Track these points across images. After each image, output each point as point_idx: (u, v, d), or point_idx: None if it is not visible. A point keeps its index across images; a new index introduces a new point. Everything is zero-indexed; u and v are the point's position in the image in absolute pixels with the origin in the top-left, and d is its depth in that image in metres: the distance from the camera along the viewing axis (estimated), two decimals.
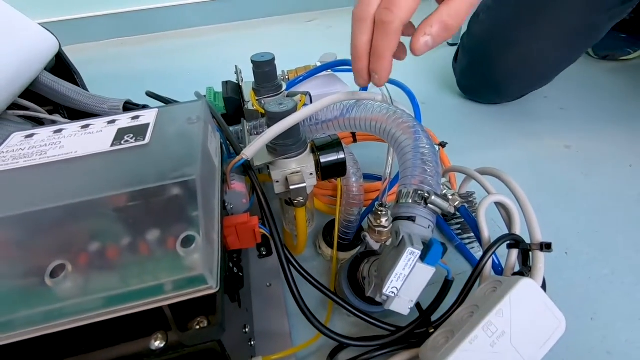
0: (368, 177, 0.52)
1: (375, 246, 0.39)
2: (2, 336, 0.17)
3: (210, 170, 0.26)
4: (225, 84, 0.45)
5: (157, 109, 0.28)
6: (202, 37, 1.15)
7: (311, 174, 0.34)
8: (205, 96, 0.43)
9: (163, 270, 0.19)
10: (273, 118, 0.30)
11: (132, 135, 0.25)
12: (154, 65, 0.97)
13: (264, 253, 0.32)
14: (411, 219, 0.26)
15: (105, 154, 0.24)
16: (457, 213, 0.39)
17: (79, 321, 0.18)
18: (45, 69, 0.39)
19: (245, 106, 0.41)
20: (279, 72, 0.56)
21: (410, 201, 0.27)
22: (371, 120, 0.35)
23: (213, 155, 0.27)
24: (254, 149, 0.28)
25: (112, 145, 0.24)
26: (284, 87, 0.45)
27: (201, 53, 1.04)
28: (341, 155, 0.34)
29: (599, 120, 0.62)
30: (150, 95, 0.35)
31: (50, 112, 0.40)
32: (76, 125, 0.27)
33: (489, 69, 0.61)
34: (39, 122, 0.38)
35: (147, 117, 0.28)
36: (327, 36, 1.09)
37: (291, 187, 0.31)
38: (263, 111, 0.41)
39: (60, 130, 0.27)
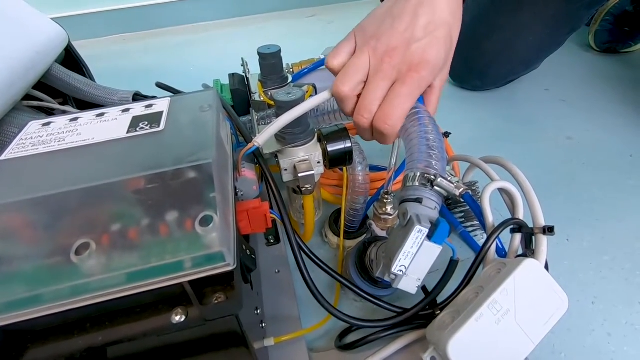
0: (372, 168, 0.53)
1: (381, 233, 0.40)
2: (33, 309, 0.18)
3: (224, 156, 0.27)
4: (232, 76, 0.46)
5: (169, 98, 0.29)
6: (203, 33, 1.16)
7: (319, 162, 0.35)
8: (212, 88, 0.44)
9: (183, 248, 0.20)
10: (282, 107, 0.31)
11: (146, 123, 0.26)
12: (157, 61, 0.98)
13: (272, 241, 0.33)
14: (418, 200, 0.27)
15: (122, 140, 0.25)
16: (461, 200, 0.40)
17: (103, 296, 0.19)
18: (56, 61, 0.40)
19: (252, 98, 0.42)
20: (283, 65, 0.57)
21: (417, 184, 0.28)
22: None
23: (225, 142, 0.28)
24: (265, 136, 0.29)
25: (128, 132, 0.25)
26: (290, 79, 0.45)
27: (203, 49, 1.04)
28: (348, 144, 0.35)
29: (601, 111, 0.62)
30: (160, 86, 0.36)
31: (60, 104, 0.40)
32: (91, 114, 0.28)
33: (473, 54, 0.63)
34: (51, 113, 0.39)
35: (160, 105, 0.28)
36: (329, 31, 1.10)
37: (300, 175, 0.32)
38: (270, 102, 0.41)
39: (76, 119, 0.28)
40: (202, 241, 0.20)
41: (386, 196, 0.38)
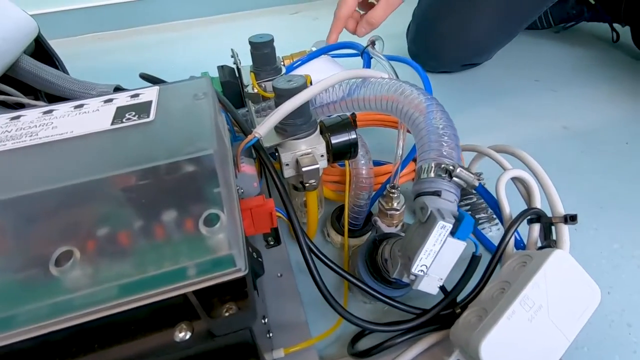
0: (374, 163, 0.51)
1: (387, 230, 0.37)
2: (4, 335, 0.15)
3: (224, 148, 0.24)
4: (221, 68, 0.43)
5: (157, 87, 0.26)
6: (185, 30, 1.11)
7: (322, 155, 0.32)
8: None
9: (185, 253, 0.17)
10: (283, 95, 0.29)
11: (134, 113, 0.23)
12: (137, 60, 0.93)
13: (272, 243, 0.30)
14: (437, 193, 0.25)
15: (106, 132, 0.21)
16: (472, 191, 0.39)
17: (91, 314, 0.16)
18: (25, 53, 0.36)
19: (246, 90, 0.39)
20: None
21: (433, 175, 0.26)
22: (381, 100, 0.34)
23: (223, 134, 0.25)
24: (266, 127, 0.26)
25: (112, 124, 0.22)
26: (284, 70, 0.43)
27: (185, 47, 1.00)
28: (353, 136, 0.33)
29: (593, 100, 0.62)
30: (145, 77, 0.33)
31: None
32: (68, 106, 0.25)
33: (429, 34, 0.65)
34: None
35: (148, 94, 0.25)
36: (314, 28, 1.07)
37: (303, 169, 0.30)
38: (266, 94, 0.39)
39: (50, 111, 0.24)
40: (208, 243, 0.17)
41: (392, 190, 0.36)
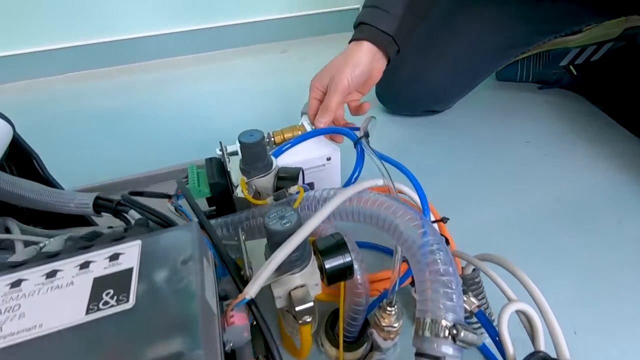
0: (364, 246, 0.50)
1: (384, 344, 0.36)
2: None
3: (210, 324, 0.22)
4: (210, 162, 0.41)
5: (139, 243, 0.24)
6: (171, 70, 1.09)
7: (316, 284, 0.31)
8: (186, 180, 0.39)
9: None
10: (276, 237, 0.27)
11: (111, 293, 0.21)
12: (120, 104, 0.90)
13: None
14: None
15: (80, 327, 0.19)
16: (475, 281, 0.37)
17: None
18: None
19: (234, 193, 0.38)
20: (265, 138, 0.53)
21: (435, 335, 0.24)
22: (377, 218, 0.32)
23: (211, 299, 0.23)
24: (257, 286, 0.24)
25: (87, 312, 0.20)
26: (275, 164, 0.41)
27: (172, 88, 0.98)
28: (347, 259, 0.31)
29: (584, 169, 0.62)
30: (126, 202, 0.30)
31: (4, 213, 0.34)
32: (38, 274, 0.22)
33: (391, 78, 0.67)
34: None
35: (129, 256, 0.23)
36: (301, 69, 1.06)
37: (297, 309, 0.28)
38: (254, 201, 0.37)
39: (19, 283, 0.22)
40: None
41: (389, 308, 0.34)
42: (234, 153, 0.51)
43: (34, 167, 0.39)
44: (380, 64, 0.54)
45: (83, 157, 0.71)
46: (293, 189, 0.34)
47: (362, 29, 0.52)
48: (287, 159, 0.49)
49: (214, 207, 0.42)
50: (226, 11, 1.18)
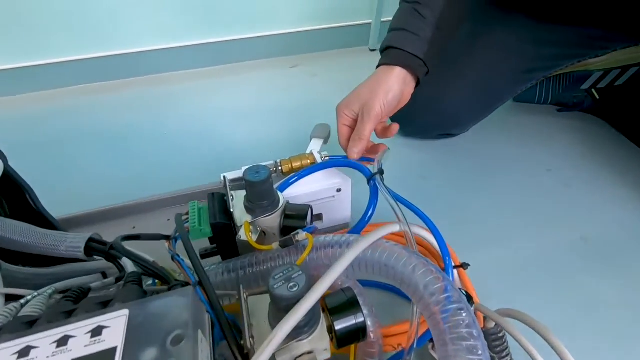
0: (372, 285, 0.46)
1: None
2: None
3: None
4: (212, 198, 0.38)
5: (126, 313, 0.21)
6: (178, 84, 1.07)
7: (325, 349, 0.27)
8: (187, 217, 0.36)
9: None
10: (282, 303, 0.24)
11: None
12: (124, 121, 0.89)
13: None
14: None
15: None
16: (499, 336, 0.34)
17: None
18: None
19: (238, 236, 0.35)
20: (270, 162, 0.50)
21: None
22: (394, 272, 0.29)
23: None
24: None
25: None
26: (282, 201, 0.38)
27: (179, 104, 0.96)
28: (360, 319, 0.28)
29: (608, 201, 0.59)
30: (116, 253, 0.28)
31: None
32: (9, 352, 0.20)
33: (408, 102, 0.62)
34: None
35: (114, 330, 0.20)
36: (312, 84, 1.04)
37: None
38: (258, 247, 0.34)
39: None
40: None
41: None
42: (239, 180, 0.48)
43: (26, 201, 0.37)
44: (410, 87, 0.52)
45: (85, 178, 0.69)
46: (301, 236, 0.31)
47: (391, 53, 0.51)
48: (296, 190, 0.46)
49: (215, 245, 0.39)
50: (236, 25, 1.16)
